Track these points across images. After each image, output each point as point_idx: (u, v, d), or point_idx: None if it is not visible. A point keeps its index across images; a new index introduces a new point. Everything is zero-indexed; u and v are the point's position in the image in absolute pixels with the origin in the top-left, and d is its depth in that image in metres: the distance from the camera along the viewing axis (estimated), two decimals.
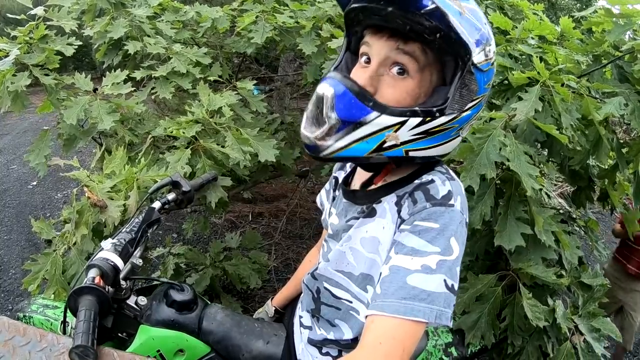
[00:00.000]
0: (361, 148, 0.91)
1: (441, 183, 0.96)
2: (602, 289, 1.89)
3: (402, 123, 0.89)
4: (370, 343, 0.86)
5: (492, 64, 0.94)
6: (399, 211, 0.99)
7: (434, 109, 0.89)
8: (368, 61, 0.93)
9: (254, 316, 1.67)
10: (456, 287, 0.91)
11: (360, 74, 0.93)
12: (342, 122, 0.88)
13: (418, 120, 0.89)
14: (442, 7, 0.81)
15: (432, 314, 0.86)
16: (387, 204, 1.02)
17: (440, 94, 0.91)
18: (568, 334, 1.79)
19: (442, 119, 0.91)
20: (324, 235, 1.30)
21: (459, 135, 0.99)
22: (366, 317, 0.91)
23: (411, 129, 0.90)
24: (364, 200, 1.08)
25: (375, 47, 0.91)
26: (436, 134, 0.93)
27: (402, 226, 0.96)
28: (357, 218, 1.09)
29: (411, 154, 0.94)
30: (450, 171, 1.04)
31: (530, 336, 1.84)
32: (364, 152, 0.92)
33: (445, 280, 0.88)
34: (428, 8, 0.81)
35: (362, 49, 0.95)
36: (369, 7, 0.88)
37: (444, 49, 0.87)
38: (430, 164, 1.03)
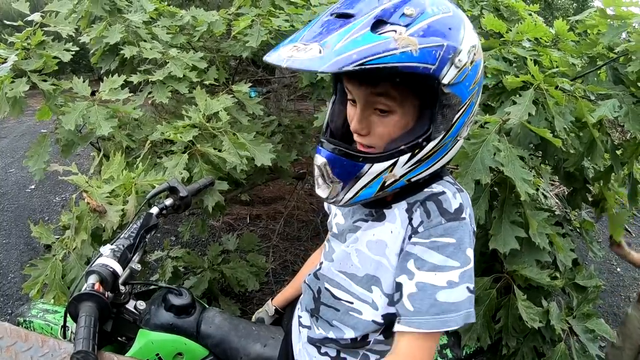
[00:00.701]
0: (367, 193, 0.98)
1: (452, 195, 1.01)
2: (596, 290, 1.91)
3: (394, 164, 0.95)
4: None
5: (471, 64, 0.93)
6: (410, 218, 1.03)
7: (420, 139, 0.94)
8: (354, 101, 0.99)
9: (254, 316, 1.69)
10: (474, 288, 0.99)
11: (352, 115, 1.00)
12: (342, 181, 0.98)
13: (407, 155, 0.94)
14: (388, 64, 0.81)
15: (461, 319, 0.95)
16: (398, 210, 1.06)
17: (425, 117, 0.95)
18: (562, 335, 1.81)
19: (432, 144, 0.95)
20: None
21: (458, 140, 1.02)
22: (398, 330, 0.99)
23: (404, 165, 0.95)
24: (374, 204, 1.11)
25: (354, 93, 0.97)
26: (432, 156, 0.97)
27: (416, 238, 1.00)
28: (365, 220, 1.12)
29: (413, 179, 1.00)
30: (457, 183, 1.09)
31: (525, 337, 1.86)
32: (370, 195, 0.99)
33: (467, 287, 0.96)
34: (375, 67, 0.81)
35: (347, 90, 1.00)
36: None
37: (410, 84, 0.91)
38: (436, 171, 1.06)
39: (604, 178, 2.13)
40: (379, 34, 0.83)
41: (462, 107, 0.95)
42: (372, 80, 0.92)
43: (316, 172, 1.01)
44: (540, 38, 2.28)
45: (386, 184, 0.98)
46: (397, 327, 0.99)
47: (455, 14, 0.92)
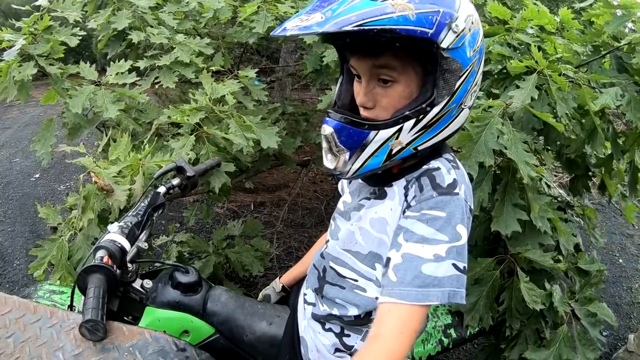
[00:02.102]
0: (375, 162, 1.01)
1: (447, 171, 1.02)
2: (598, 274, 1.92)
3: (399, 130, 0.97)
4: (391, 332, 0.93)
5: (469, 31, 0.95)
6: (405, 194, 1.04)
7: (424, 105, 0.96)
8: (360, 76, 1.02)
9: (260, 293, 1.71)
10: (466, 267, 0.98)
11: (358, 91, 1.03)
12: (349, 149, 1.00)
13: (412, 121, 0.97)
14: (386, 26, 0.84)
15: (445, 296, 0.94)
16: (397, 187, 1.08)
17: (428, 84, 0.97)
18: (565, 318, 1.82)
19: (436, 109, 0.97)
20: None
21: (463, 109, 1.03)
22: (380, 302, 0.97)
23: (410, 131, 0.98)
24: (377, 182, 1.13)
25: (357, 67, 1.01)
26: (436, 123, 0.99)
27: (408, 212, 1.01)
28: (369, 199, 1.14)
29: (420, 148, 1.01)
30: (457, 160, 1.10)
31: (527, 320, 1.88)
32: (378, 164, 1.01)
33: (454, 264, 0.95)
34: (375, 31, 0.85)
35: (351, 66, 1.04)
36: (335, 40, 1.05)
37: (411, 51, 0.93)
38: (436, 149, 1.08)
39: (605, 166, 2.14)
40: (378, 0, 0.87)
41: (464, 73, 0.97)
42: (373, 51, 0.95)
43: (324, 143, 1.03)
44: (545, 25, 2.28)
45: (393, 152, 1.00)
46: (380, 299, 0.98)
47: None
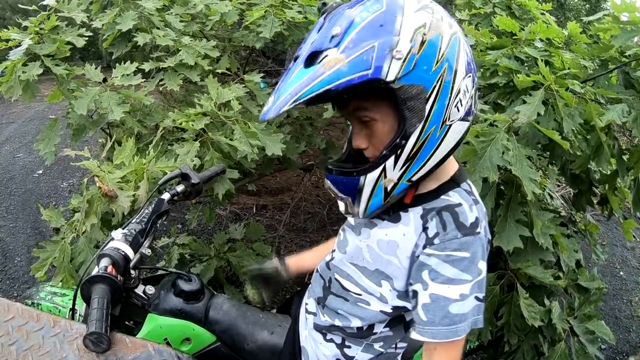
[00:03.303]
0: (376, 202, 1.03)
1: (469, 208, 1.02)
2: (598, 292, 1.93)
3: (383, 169, 0.97)
4: None
5: (420, 46, 0.88)
6: (424, 226, 1.04)
7: (397, 139, 0.94)
8: None
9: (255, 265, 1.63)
10: (484, 296, 1.04)
11: (352, 137, 1.07)
12: (349, 196, 1.04)
13: (392, 158, 0.96)
14: (318, 90, 0.86)
15: (469, 326, 1.01)
16: (413, 214, 1.07)
17: (400, 115, 0.94)
18: (563, 334, 1.82)
19: (412, 140, 0.94)
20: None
21: (449, 125, 0.96)
22: (412, 337, 1.07)
23: (394, 167, 0.97)
24: (392, 205, 1.10)
25: (343, 116, 1.08)
26: (420, 151, 0.96)
27: (431, 249, 1.01)
28: (382, 219, 1.13)
29: (414, 178, 1.00)
30: (474, 189, 1.11)
31: (526, 335, 1.88)
32: (380, 203, 1.03)
33: (476, 297, 1.01)
34: (310, 99, 0.87)
35: None
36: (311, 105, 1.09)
37: (366, 92, 0.94)
38: (454, 176, 1.08)
39: (609, 182, 2.14)
40: (314, 65, 0.87)
41: (431, 93, 0.90)
42: (341, 103, 1.00)
43: (332, 193, 1.08)
44: (553, 39, 2.28)
45: (388, 190, 1.01)
46: (412, 335, 1.06)
47: (388, 7, 0.89)
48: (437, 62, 0.90)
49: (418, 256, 1.04)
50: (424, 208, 1.05)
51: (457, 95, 0.95)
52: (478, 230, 1.01)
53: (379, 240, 1.12)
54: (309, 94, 0.85)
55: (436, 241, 1.01)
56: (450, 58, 0.92)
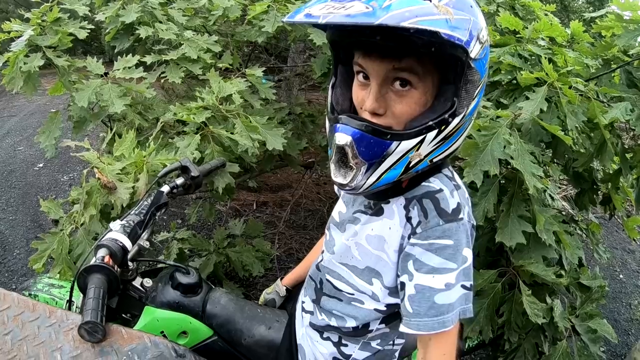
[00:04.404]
0: (391, 175, 0.93)
1: (450, 194, 0.99)
2: (600, 290, 1.92)
3: (422, 141, 0.90)
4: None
5: (487, 43, 0.92)
6: (407, 216, 1.01)
7: (446, 115, 0.90)
8: (366, 77, 0.93)
9: (262, 296, 1.70)
10: (472, 284, 0.99)
11: (363, 95, 0.95)
12: (368, 161, 0.91)
13: (435, 132, 0.90)
14: (430, 27, 0.77)
15: (457, 316, 0.97)
16: (396, 206, 1.04)
17: (447, 93, 0.91)
18: (565, 333, 1.81)
19: (456, 120, 0.91)
20: None
21: (472, 121, 1.00)
22: (401, 330, 1.02)
23: (431, 142, 0.91)
24: (373, 196, 1.09)
25: (371, 68, 0.91)
26: (453, 135, 0.95)
27: (415, 239, 0.99)
28: (364, 213, 1.11)
29: (435, 160, 0.96)
30: (455, 175, 1.07)
31: (527, 334, 1.87)
32: (394, 177, 0.94)
33: (463, 285, 0.97)
34: (425, 32, 0.77)
35: (356, 67, 0.95)
36: (348, 37, 0.92)
37: (440, 57, 0.86)
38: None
39: (612, 181, 2.13)
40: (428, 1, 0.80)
41: (481, 84, 0.93)
42: (395, 53, 0.86)
43: (336, 155, 0.93)
44: (556, 37, 2.27)
45: (411, 165, 0.93)
46: (400, 328, 1.02)
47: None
48: (487, 66, 0.95)
49: (405, 247, 1.01)
50: (406, 198, 1.02)
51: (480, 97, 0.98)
52: (461, 216, 0.97)
53: (367, 236, 1.09)
54: (429, 26, 0.76)
55: (419, 230, 0.98)
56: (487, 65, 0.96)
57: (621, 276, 4.21)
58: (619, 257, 4.44)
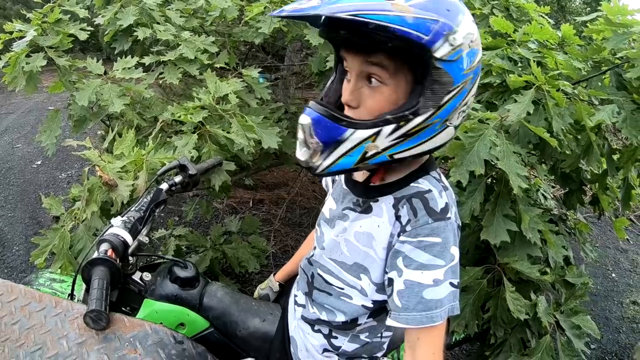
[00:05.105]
0: (347, 162, 0.98)
1: (438, 194, 1.04)
2: (583, 287, 1.96)
3: (377, 133, 0.95)
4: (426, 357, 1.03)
5: (468, 47, 0.93)
6: (396, 215, 1.06)
7: (407, 112, 0.94)
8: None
9: (256, 291, 1.75)
10: (459, 282, 1.05)
11: (344, 90, 1.02)
12: (323, 143, 0.97)
13: (392, 126, 0.94)
14: (381, 22, 0.83)
15: (445, 313, 1.01)
16: (385, 204, 1.09)
17: (415, 92, 0.95)
18: (549, 328, 1.86)
19: (418, 119, 0.94)
20: None
21: (448, 126, 1.01)
22: (389, 324, 1.05)
23: (388, 136, 0.96)
24: (362, 194, 1.15)
25: (349, 62, 0.99)
26: (417, 134, 0.97)
27: (404, 237, 1.04)
28: (353, 210, 1.16)
29: (396, 156, 0.99)
30: (443, 177, 1.12)
31: (513, 328, 1.91)
32: (350, 165, 0.99)
33: (451, 283, 1.01)
34: (370, 26, 0.84)
35: (344, 64, 1.02)
36: (331, 32, 0.98)
37: (404, 55, 0.92)
38: (423, 165, 1.09)
39: (599, 181, 2.17)
40: None
41: (454, 88, 0.94)
42: (367, 48, 0.93)
43: (300, 133, 1.00)
44: (547, 40, 2.31)
45: (367, 155, 0.98)
46: (388, 321, 1.05)
47: (455, 2, 0.94)
48: (469, 69, 0.96)
49: (394, 245, 1.06)
50: (395, 197, 1.07)
51: (463, 105, 1.01)
52: (449, 215, 1.02)
53: (356, 233, 1.14)
54: (371, 19, 0.82)
55: (408, 228, 1.03)
56: (475, 73, 0.99)
57: (613, 275, 4.25)
58: (612, 256, 4.47)
